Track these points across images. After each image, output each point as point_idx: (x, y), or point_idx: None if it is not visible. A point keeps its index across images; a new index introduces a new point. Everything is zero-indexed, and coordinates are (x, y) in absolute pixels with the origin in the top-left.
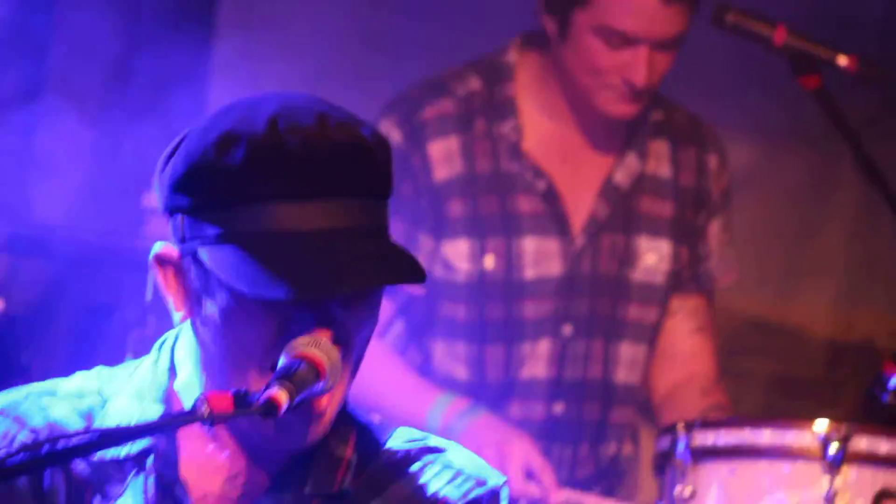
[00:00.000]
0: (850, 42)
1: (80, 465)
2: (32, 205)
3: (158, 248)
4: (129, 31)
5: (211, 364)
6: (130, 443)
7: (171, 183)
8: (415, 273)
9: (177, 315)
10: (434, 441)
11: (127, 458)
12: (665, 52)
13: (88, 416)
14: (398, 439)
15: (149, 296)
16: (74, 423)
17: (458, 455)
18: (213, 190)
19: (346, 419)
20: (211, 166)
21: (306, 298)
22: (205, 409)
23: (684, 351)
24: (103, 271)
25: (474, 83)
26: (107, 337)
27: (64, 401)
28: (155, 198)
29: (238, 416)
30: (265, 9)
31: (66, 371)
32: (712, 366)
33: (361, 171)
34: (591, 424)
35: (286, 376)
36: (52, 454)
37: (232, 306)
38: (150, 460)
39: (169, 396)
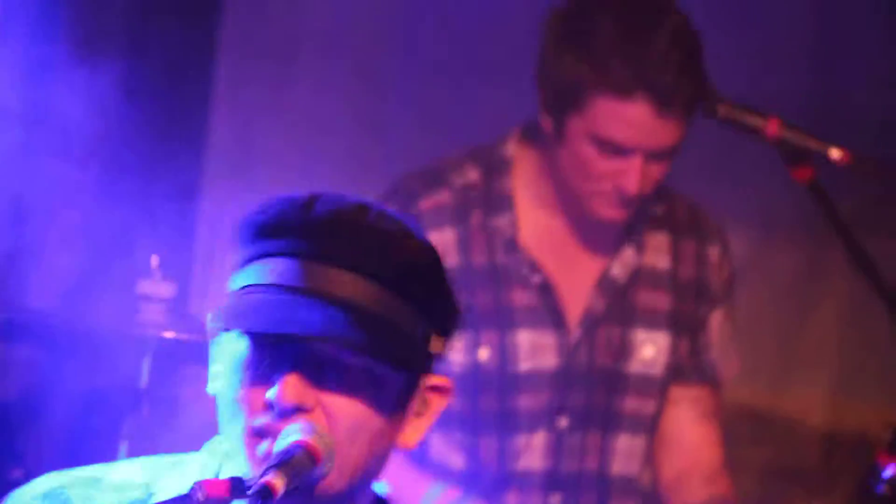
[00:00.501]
0: (845, 135)
1: None
2: (25, 290)
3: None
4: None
5: (222, 436)
6: None
7: (232, 246)
8: (395, 356)
9: (210, 388)
10: None
11: None
12: (659, 161)
13: None
14: None
15: (143, 382)
16: None
17: None
18: (246, 247)
19: None
20: (248, 223)
21: (264, 333)
22: (200, 495)
23: (688, 439)
24: (97, 358)
25: (472, 175)
26: (101, 423)
27: (107, 493)
28: (147, 285)
29: (232, 500)
30: (257, 88)
31: (59, 456)
32: (717, 454)
33: (390, 258)
34: None
35: (281, 463)
36: None
37: (229, 354)
38: None
39: None
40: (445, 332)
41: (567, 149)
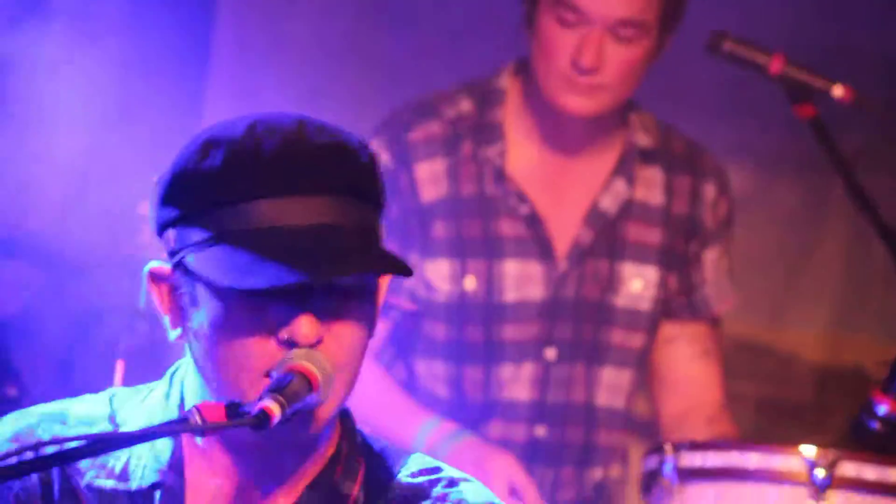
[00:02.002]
0: (846, 73)
1: (89, 497)
2: (23, 209)
3: (151, 265)
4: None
5: (208, 383)
6: (134, 471)
7: (159, 197)
8: (397, 266)
9: (172, 334)
10: (447, 473)
11: (138, 491)
12: (625, 42)
13: None
14: (410, 469)
15: (141, 303)
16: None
17: (471, 490)
18: (196, 196)
19: (355, 452)
20: (193, 172)
21: (281, 286)
22: (196, 419)
23: (687, 377)
24: (94, 277)
25: (465, 105)
26: (97, 343)
27: (76, 426)
28: (147, 206)
29: (229, 427)
30: (259, 28)
31: (54, 374)
32: (718, 392)
33: (342, 169)
34: (574, 448)
35: (278, 388)
36: (45, 458)
37: (218, 310)
38: (157, 495)
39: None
40: (382, 215)
41: (537, 41)
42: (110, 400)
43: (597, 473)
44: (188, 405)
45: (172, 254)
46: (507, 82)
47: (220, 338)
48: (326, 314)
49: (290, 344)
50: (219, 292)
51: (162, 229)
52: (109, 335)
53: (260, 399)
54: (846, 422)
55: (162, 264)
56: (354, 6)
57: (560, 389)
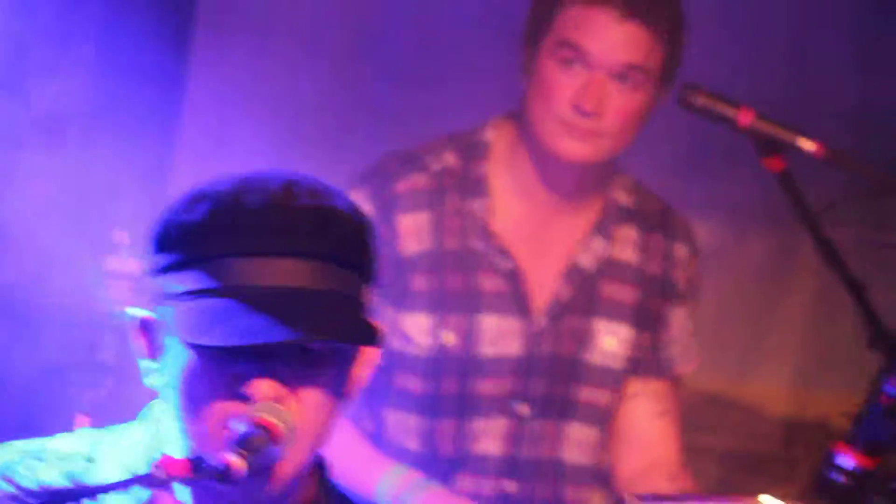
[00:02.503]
0: (820, 127)
1: None
2: None
3: (134, 312)
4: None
5: (174, 426)
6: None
7: (151, 244)
8: (361, 336)
9: (148, 380)
10: None
11: None
12: (625, 88)
13: (77, 480)
14: None
15: (106, 357)
16: (63, 486)
17: None
18: (179, 248)
19: (334, 500)
20: (177, 224)
21: (238, 347)
22: (160, 473)
23: (647, 435)
24: (61, 331)
25: (450, 159)
26: (62, 397)
27: (52, 464)
28: (113, 261)
29: (195, 480)
30: (234, 72)
31: (17, 429)
32: (677, 451)
33: (324, 234)
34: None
35: (241, 442)
36: None
37: (183, 363)
38: None
39: None
40: (370, 283)
41: (535, 84)
42: (84, 438)
43: None
44: (166, 445)
45: (154, 302)
46: (492, 135)
47: (183, 389)
48: (290, 378)
49: (248, 399)
50: (185, 345)
51: (151, 276)
52: (74, 390)
53: (224, 453)
54: (812, 475)
55: (144, 312)
56: (332, 54)
57: (532, 445)
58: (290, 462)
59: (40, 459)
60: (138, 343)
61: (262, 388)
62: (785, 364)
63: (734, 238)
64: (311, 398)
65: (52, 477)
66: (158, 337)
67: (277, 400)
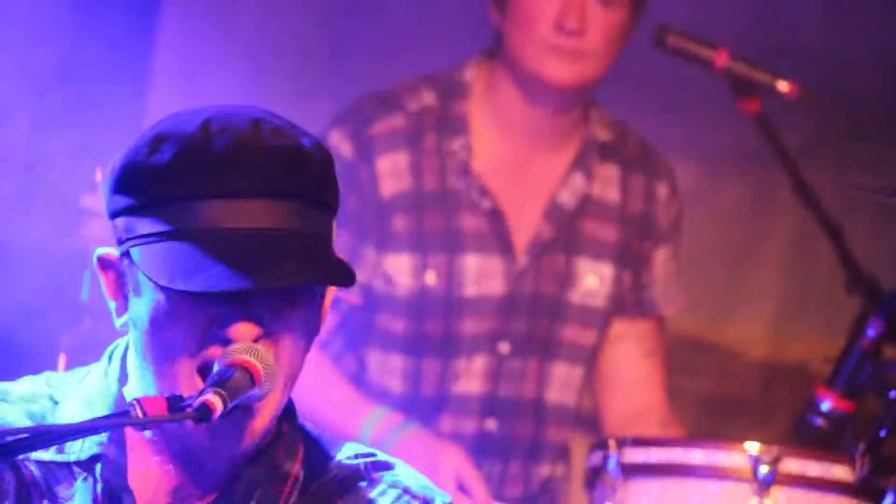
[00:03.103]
0: (788, 69)
1: (30, 467)
2: None
3: (101, 251)
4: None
5: (144, 368)
6: (73, 444)
7: (110, 185)
8: (340, 276)
9: (118, 321)
10: (382, 457)
11: (77, 463)
12: (604, 6)
13: (40, 419)
14: (346, 454)
15: (84, 296)
16: (26, 426)
17: (405, 473)
18: (145, 189)
19: (296, 433)
20: (143, 165)
21: (219, 291)
22: (138, 412)
23: (634, 378)
24: (38, 271)
25: (428, 98)
26: (40, 337)
27: (15, 405)
28: (91, 199)
29: (171, 420)
30: (203, 21)
31: None
32: (664, 395)
33: (293, 174)
34: (523, 443)
35: (220, 382)
36: None
37: (158, 304)
38: (98, 467)
39: (118, 404)
40: (335, 214)
41: (512, 15)
42: (48, 380)
43: (544, 470)
44: (129, 383)
45: (120, 242)
46: (471, 75)
47: (155, 330)
48: (266, 320)
49: (227, 342)
50: (160, 290)
51: (112, 216)
52: (52, 330)
53: (201, 393)
54: (791, 417)
55: (111, 251)
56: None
57: (512, 384)
58: (266, 403)
59: (4, 400)
60: (104, 283)
61: (241, 330)
62: (763, 307)
63: (711, 181)
64: (287, 339)
65: (16, 416)
66: (126, 277)
67: (254, 339)
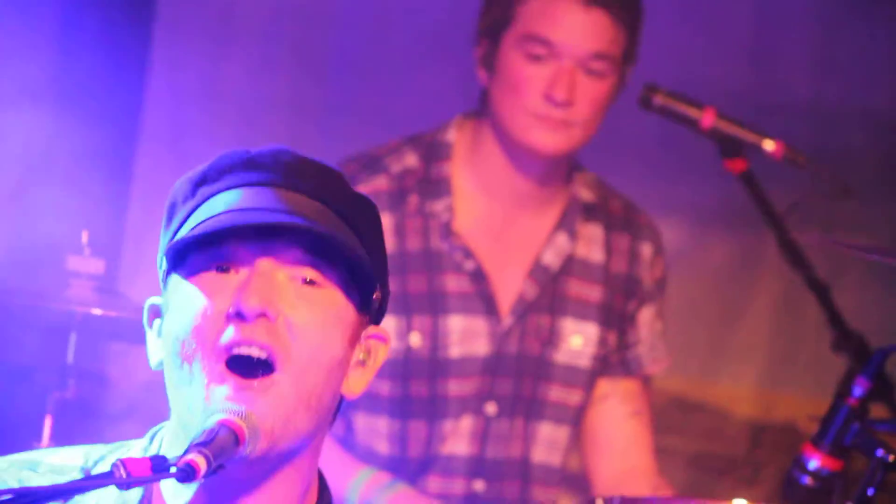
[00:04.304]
0: (778, 125)
1: None
2: None
3: (152, 301)
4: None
5: (176, 388)
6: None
7: (162, 230)
8: (356, 254)
9: (153, 361)
10: None
11: None
12: (592, 77)
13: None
14: None
15: (70, 358)
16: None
17: None
18: (181, 204)
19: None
20: (182, 184)
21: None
22: (121, 472)
23: (621, 438)
24: (24, 333)
25: (411, 160)
26: (26, 399)
27: (44, 476)
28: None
29: (154, 480)
30: (192, 68)
31: None
32: (651, 457)
33: (327, 185)
34: (511, 503)
35: (205, 442)
36: None
37: (176, 289)
38: None
39: (151, 488)
40: (382, 289)
41: (500, 78)
42: (86, 453)
43: None
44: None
45: (162, 281)
46: (454, 135)
47: (180, 330)
48: (283, 291)
49: (240, 315)
50: (177, 270)
51: (163, 258)
52: (39, 391)
53: (185, 453)
54: (778, 477)
55: (159, 299)
56: (290, 56)
57: (499, 444)
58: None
59: (33, 470)
60: (149, 324)
61: (252, 287)
62: (750, 366)
63: (696, 240)
64: (305, 326)
65: None
66: (162, 304)
67: (262, 308)
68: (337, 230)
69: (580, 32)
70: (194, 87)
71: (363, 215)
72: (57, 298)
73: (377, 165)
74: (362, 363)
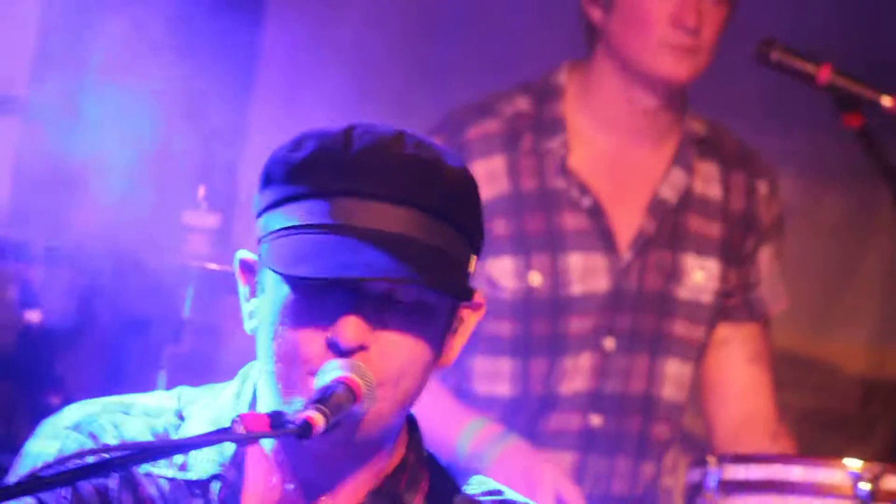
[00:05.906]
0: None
1: (151, 487)
2: (70, 216)
3: (241, 254)
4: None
5: (267, 373)
6: (196, 462)
7: (259, 186)
8: (452, 288)
9: (248, 324)
10: (510, 495)
11: (197, 482)
12: (715, 1)
13: (162, 435)
14: (473, 489)
15: (186, 312)
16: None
17: None
18: (281, 185)
19: (421, 463)
20: (282, 162)
21: (324, 278)
22: (240, 429)
23: (741, 383)
24: (140, 286)
25: (522, 103)
26: (141, 352)
27: (138, 418)
28: (193, 215)
29: (273, 436)
30: (306, 36)
31: (98, 384)
32: (772, 401)
33: (426, 185)
34: (630, 438)
35: (322, 399)
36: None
37: (276, 299)
38: (216, 487)
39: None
40: (477, 252)
41: (619, 18)
42: (179, 395)
43: (649, 469)
44: (260, 403)
45: (258, 242)
46: (565, 78)
47: (273, 328)
48: (378, 321)
49: (335, 345)
50: (280, 281)
51: (257, 217)
52: (154, 345)
53: (303, 410)
54: (890, 434)
55: (250, 254)
56: (401, 13)
57: (618, 379)
58: (370, 419)
59: (127, 413)
60: (242, 286)
61: (348, 327)
62: (863, 322)
63: (811, 195)
64: (396, 348)
65: (138, 431)
66: (256, 276)
67: (359, 343)
68: (442, 269)
69: None
70: (307, 43)
71: (465, 204)
72: (173, 253)
73: (487, 110)
74: (454, 331)
